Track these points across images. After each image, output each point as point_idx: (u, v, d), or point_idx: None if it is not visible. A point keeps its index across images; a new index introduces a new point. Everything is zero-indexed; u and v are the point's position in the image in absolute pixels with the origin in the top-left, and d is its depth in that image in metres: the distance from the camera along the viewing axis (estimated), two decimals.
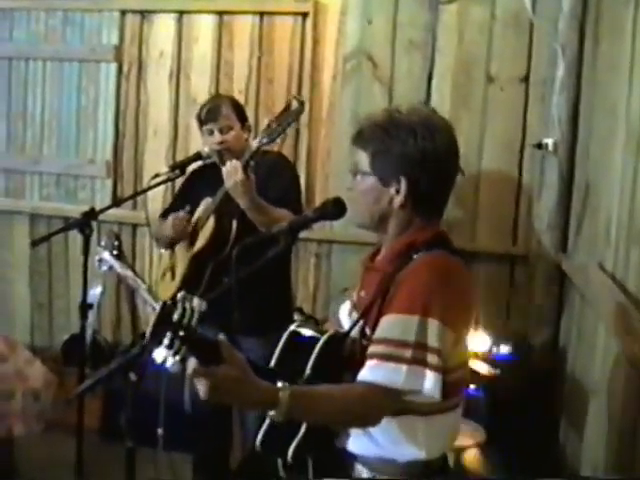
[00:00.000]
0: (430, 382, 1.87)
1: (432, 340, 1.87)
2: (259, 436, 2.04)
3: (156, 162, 4.64)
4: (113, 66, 4.76)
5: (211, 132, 3.35)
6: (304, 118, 4.37)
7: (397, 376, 1.86)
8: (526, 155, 4.22)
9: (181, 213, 3.45)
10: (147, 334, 1.63)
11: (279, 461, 2.06)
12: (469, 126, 4.23)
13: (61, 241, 4.83)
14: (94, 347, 4.57)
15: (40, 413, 3.93)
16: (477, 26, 4.23)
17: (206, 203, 3.42)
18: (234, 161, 3.06)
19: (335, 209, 2.09)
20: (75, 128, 4.90)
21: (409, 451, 2.01)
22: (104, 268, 4.43)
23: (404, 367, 1.85)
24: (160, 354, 1.59)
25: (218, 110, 3.36)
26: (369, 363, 1.89)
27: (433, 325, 1.88)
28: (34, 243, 3.34)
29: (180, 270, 3.54)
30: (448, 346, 1.91)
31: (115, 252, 3.67)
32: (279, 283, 3.51)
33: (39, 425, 3.94)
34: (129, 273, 3.04)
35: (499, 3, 4.20)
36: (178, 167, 3.43)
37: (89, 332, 4.27)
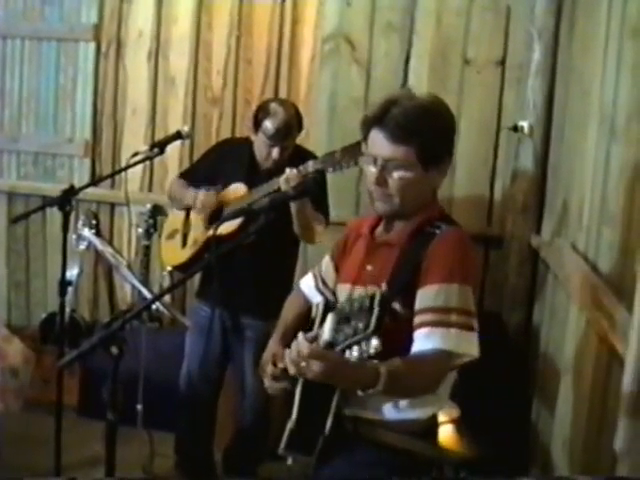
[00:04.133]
0: (476, 345, 2.01)
1: (471, 305, 2.02)
2: (283, 443, 2.06)
3: (134, 141, 4.64)
4: (92, 45, 4.73)
5: (272, 146, 3.33)
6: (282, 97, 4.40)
7: (451, 340, 1.97)
8: (502, 137, 4.27)
9: (212, 192, 3.47)
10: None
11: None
12: None
13: (38, 220, 4.82)
14: (72, 325, 4.58)
15: (19, 390, 3.94)
16: (455, 9, 4.25)
17: (237, 189, 3.42)
18: (293, 171, 3.09)
19: (315, 187, 2.14)
20: (53, 107, 4.87)
21: (431, 409, 2.14)
22: (82, 246, 4.45)
23: (454, 331, 1.97)
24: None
25: (290, 134, 3.36)
26: (421, 331, 1.99)
27: (469, 292, 2.02)
28: (14, 220, 3.34)
29: (193, 242, 3.56)
30: None
31: (93, 230, 3.70)
32: (284, 268, 3.52)
33: (18, 402, 3.95)
34: (109, 249, 3.05)
35: None
36: (157, 146, 3.43)
37: (67, 310, 4.28)
